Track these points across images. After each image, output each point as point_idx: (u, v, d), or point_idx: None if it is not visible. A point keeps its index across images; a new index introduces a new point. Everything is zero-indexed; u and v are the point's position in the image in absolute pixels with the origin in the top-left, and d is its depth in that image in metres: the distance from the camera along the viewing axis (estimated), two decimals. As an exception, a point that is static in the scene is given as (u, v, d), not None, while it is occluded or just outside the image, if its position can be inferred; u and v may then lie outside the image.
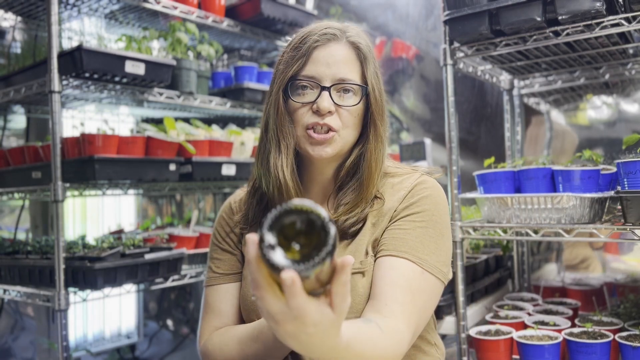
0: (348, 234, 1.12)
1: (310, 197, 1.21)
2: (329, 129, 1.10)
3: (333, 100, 1.10)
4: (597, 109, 2.51)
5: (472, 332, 1.78)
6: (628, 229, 1.49)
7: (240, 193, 1.31)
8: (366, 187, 1.13)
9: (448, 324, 1.87)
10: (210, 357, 1.16)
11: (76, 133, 2.08)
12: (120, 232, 2.78)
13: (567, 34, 1.66)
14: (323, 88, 1.09)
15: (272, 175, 1.13)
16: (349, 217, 1.12)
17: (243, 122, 3.04)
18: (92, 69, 1.99)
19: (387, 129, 1.17)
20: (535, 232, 1.71)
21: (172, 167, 2.25)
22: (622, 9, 1.59)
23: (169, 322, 3.56)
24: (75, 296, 2.04)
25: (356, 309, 1.06)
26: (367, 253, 1.11)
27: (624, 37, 1.79)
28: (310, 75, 1.10)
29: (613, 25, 1.59)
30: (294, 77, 1.11)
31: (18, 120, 2.81)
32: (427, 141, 2.58)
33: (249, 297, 1.17)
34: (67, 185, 2.01)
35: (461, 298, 1.83)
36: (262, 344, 1.07)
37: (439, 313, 1.88)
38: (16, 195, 2.38)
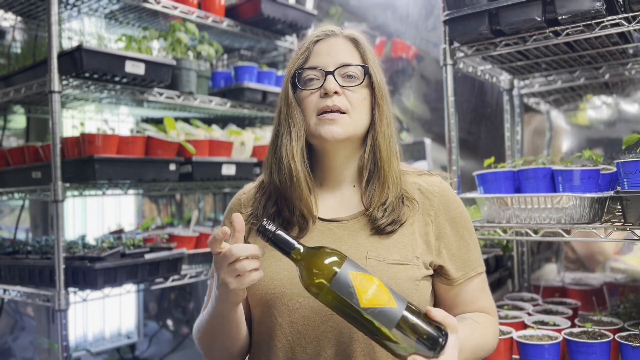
0: (384, 231, 1.16)
1: (322, 191, 1.23)
2: (339, 110, 1.15)
3: (338, 83, 1.16)
4: (597, 109, 2.51)
5: (472, 332, 1.78)
6: (628, 229, 1.49)
7: (250, 186, 1.32)
8: (386, 172, 1.17)
9: (448, 324, 1.87)
10: (194, 334, 1.26)
11: (76, 133, 2.08)
12: (120, 232, 2.78)
13: (567, 34, 1.66)
14: (327, 73, 1.16)
15: (284, 162, 1.17)
16: (384, 214, 1.16)
17: (243, 122, 3.05)
18: (92, 69, 1.99)
19: (392, 113, 1.22)
20: (535, 232, 1.71)
21: (172, 167, 2.25)
22: (622, 9, 1.59)
23: (169, 322, 3.57)
24: (75, 296, 2.04)
25: (405, 294, 1.09)
26: (410, 251, 1.15)
27: (624, 37, 1.79)
28: (314, 65, 1.18)
29: (613, 25, 1.59)
30: (299, 68, 1.19)
31: (18, 120, 2.81)
32: (427, 141, 2.58)
33: (262, 281, 1.12)
34: (67, 185, 2.02)
35: (461, 298, 1.83)
36: (212, 316, 1.14)
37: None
38: (16, 195, 2.38)
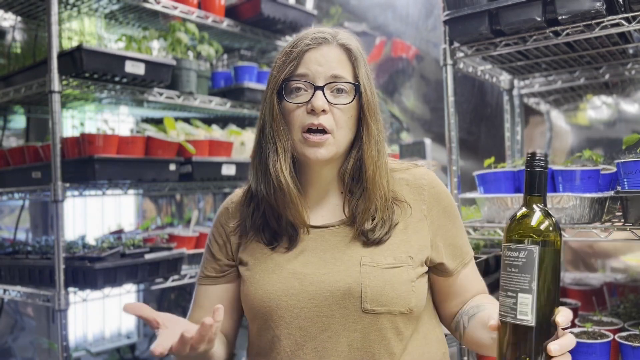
0: (381, 242, 1.14)
1: (308, 200, 1.20)
2: (324, 130, 1.11)
3: (327, 99, 1.10)
4: (597, 109, 2.51)
5: (472, 332, 1.78)
6: (628, 229, 1.49)
7: (239, 193, 1.29)
8: (372, 191, 1.14)
9: (448, 324, 1.87)
10: None
11: (76, 133, 2.08)
12: (120, 232, 2.78)
13: (567, 34, 1.66)
14: (317, 88, 1.10)
15: (272, 177, 1.12)
16: (376, 228, 1.13)
17: (243, 122, 3.04)
18: (92, 69, 1.99)
19: (382, 130, 1.18)
20: (535, 232, 1.71)
21: (172, 167, 2.25)
22: (622, 9, 1.59)
23: (169, 322, 3.56)
24: (75, 296, 2.04)
25: (402, 297, 1.10)
26: (404, 251, 1.13)
27: (624, 37, 1.79)
28: (303, 74, 1.11)
29: (613, 25, 1.59)
30: (287, 79, 1.12)
31: (18, 120, 2.81)
32: (427, 141, 2.58)
33: (257, 295, 1.14)
34: (67, 185, 2.02)
35: (461, 298, 1.83)
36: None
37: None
38: (16, 195, 2.38)
